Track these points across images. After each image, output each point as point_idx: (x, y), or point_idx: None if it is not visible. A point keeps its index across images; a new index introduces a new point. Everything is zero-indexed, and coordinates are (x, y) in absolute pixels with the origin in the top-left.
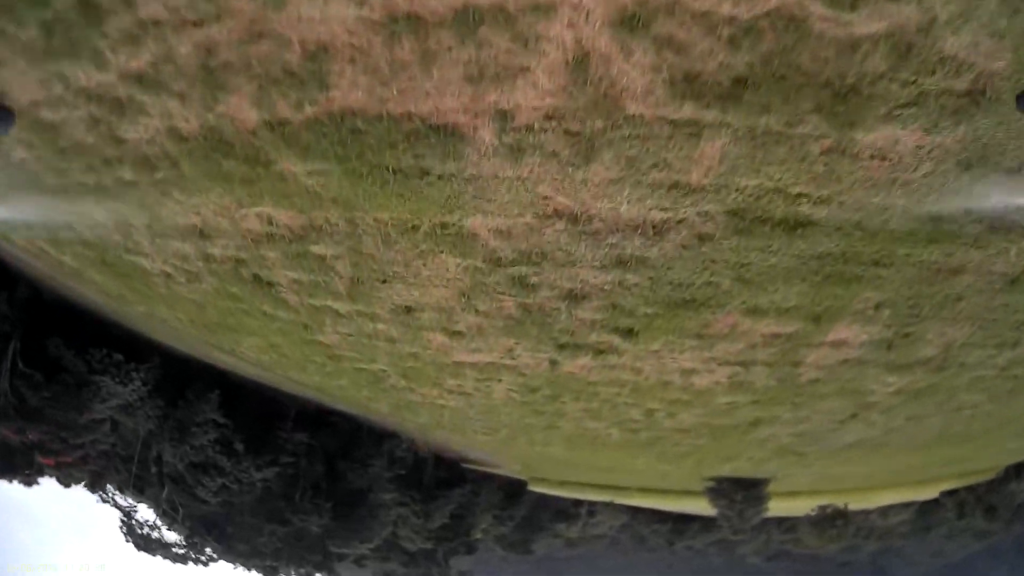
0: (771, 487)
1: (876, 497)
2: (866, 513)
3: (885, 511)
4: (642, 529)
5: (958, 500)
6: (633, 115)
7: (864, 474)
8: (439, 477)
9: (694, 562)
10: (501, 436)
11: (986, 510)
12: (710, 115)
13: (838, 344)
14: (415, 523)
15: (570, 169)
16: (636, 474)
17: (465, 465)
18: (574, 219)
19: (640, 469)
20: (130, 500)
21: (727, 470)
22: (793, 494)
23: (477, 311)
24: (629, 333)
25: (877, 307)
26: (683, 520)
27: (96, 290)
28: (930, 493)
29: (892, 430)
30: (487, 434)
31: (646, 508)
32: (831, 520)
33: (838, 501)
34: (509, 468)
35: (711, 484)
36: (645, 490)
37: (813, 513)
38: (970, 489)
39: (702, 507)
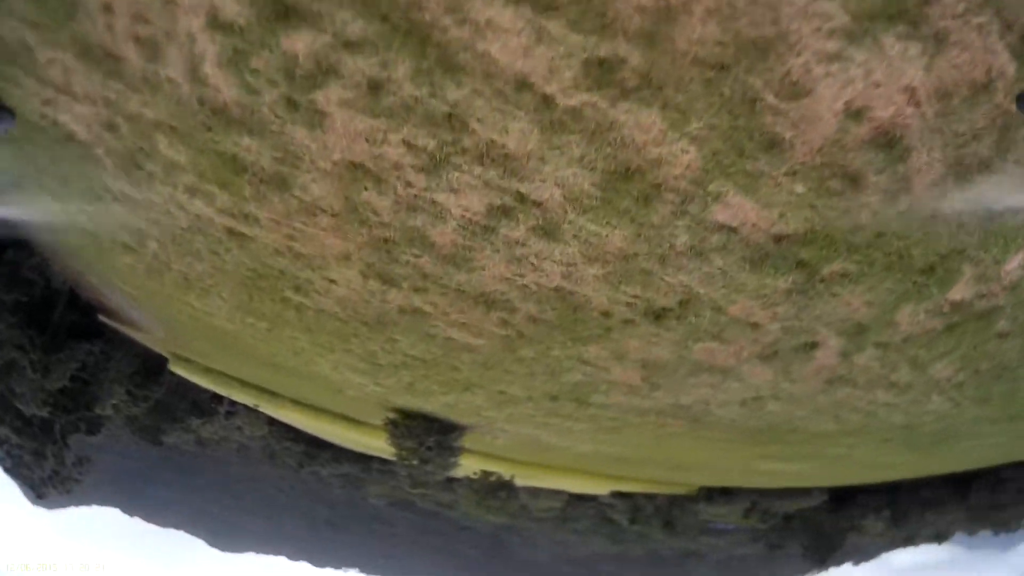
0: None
1: (549, 478)
2: (531, 491)
3: (536, 493)
4: (275, 444)
5: (634, 504)
6: None
7: (559, 453)
8: (71, 322)
9: (317, 489)
10: (145, 271)
11: (665, 523)
12: None
13: None
14: (31, 378)
15: None
16: (305, 381)
17: (103, 318)
18: None
19: (317, 375)
20: None
21: (421, 406)
22: (479, 454)
23: None
24: None
25: None
26: (316, 444)
27: None
28: (601, 489)
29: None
30: (131, 263)
31: (285, 423)
32: (493, 489)
33: (506, 472)
34: (152, 336)
35: (396, 417)
36: (299, 404)
37: (475, 476)
38: (650, 497)
39: (371, 442)
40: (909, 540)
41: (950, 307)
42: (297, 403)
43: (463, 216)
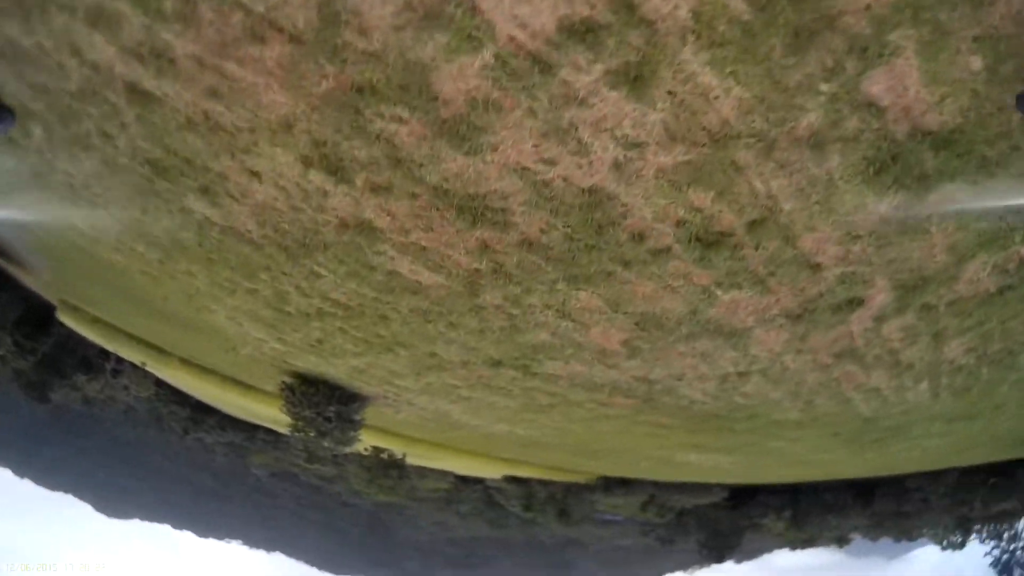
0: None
1: (444, 461)
2: (419, 471)
3: (425, 473)
4: (161, 408)
5: (528, 491)
6: None
7: (464, 433)
8: None
9: (202, 457)
10: (29, 175)
11: (560, 511)
12: None
13: None
14: None
15: None
16: (195, 336)
17: None
18: None
19: (210, 327)
20: None
21: (324, 371)
22: (374, 428)
23: None
24: None
25: None
26: (203, 409)
27: None
28: (494, 473)
29: (528, 397)
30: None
31: (173, 385)
32: (384, 467)
33: (399, 450)
34: (39, 278)
35: (294, 383)
36: (188, 364)
37: (366, 453)
38: (545, 484)
39: (261, 410)
40: (809, 542)
41: (1017, 263)
42: (186, 363)
43: (511, 38)
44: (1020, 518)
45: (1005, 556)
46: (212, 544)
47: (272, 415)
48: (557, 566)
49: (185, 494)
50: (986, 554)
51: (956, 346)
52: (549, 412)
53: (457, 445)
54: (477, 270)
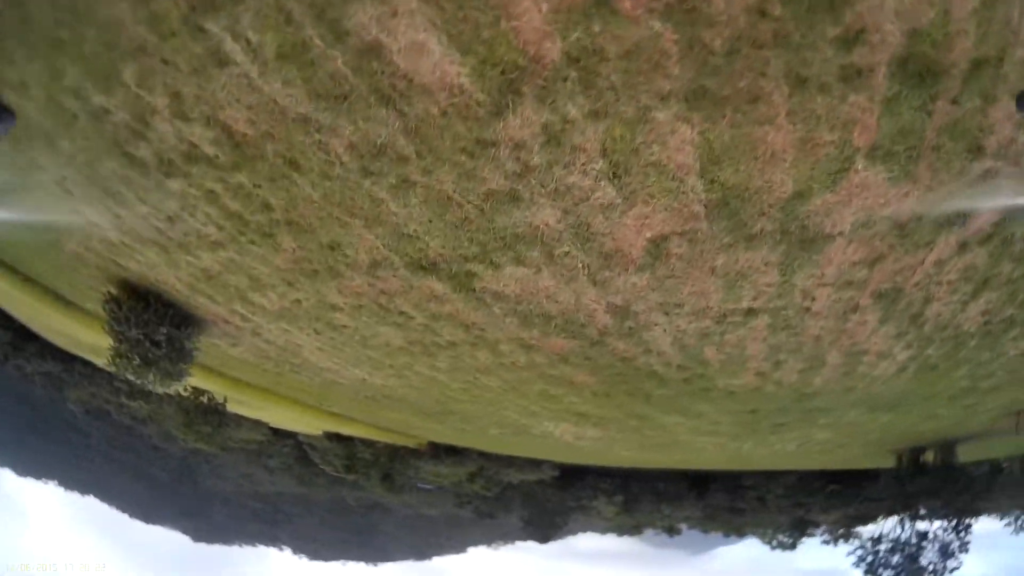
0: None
1: (264, 410)
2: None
3: (241, 422)
4: None
5: (351, 450)
6: None
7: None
8: None
9: (22, 388)
10: None
11: (384, 475)
12: None
13: None
14: None
15: None
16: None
17: None
18: None
19: None
20: None
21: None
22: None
23: None
24: None
25: None
26: (25, 336)
27: None
28: (314, 428)
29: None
30: None
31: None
32: (204, 412)
33: (219, 394)
34: None
35: (120, 295)
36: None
37: (185, 394)
38: (369, 444)
39: (82, 334)
40: (638, 529)
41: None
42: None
43: None
44: (862, 524)
45: (870, 557)
46: (30, 483)
47: (93, 342)
48: (362, 529)
49: (5, 428)
50: (849, 554)
51: (974, 309)
52: (436, 355)
53: (286, 393)
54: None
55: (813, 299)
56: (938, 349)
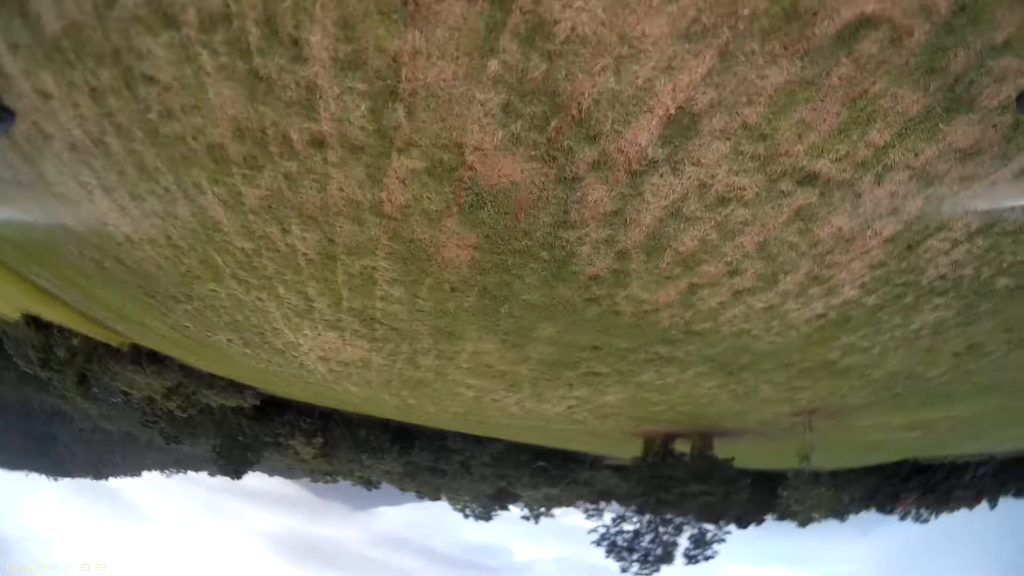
0: None
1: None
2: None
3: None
4: None
5: (47, 341)
6: None
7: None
8: None
9: None
10: None
11: (80, 375)
12: None
13: None
14: None
15: None
16: None
17: None
18: None
19: None
20: None
21: None
22: None
23: None
24: None
25: None
26: None
27: None
28: (13, 310)
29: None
30: None
31: None
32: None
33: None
34: None
35: None
36: None
37: None
38: (68, 336)
39: None
40: (333, 476)
41: None
42: None
43: None
44: (565, 506)
45: (612, 536)
46: None
47: None
48: (42, 437)
49: None
50: (591, 531)
51: None
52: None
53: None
54: None
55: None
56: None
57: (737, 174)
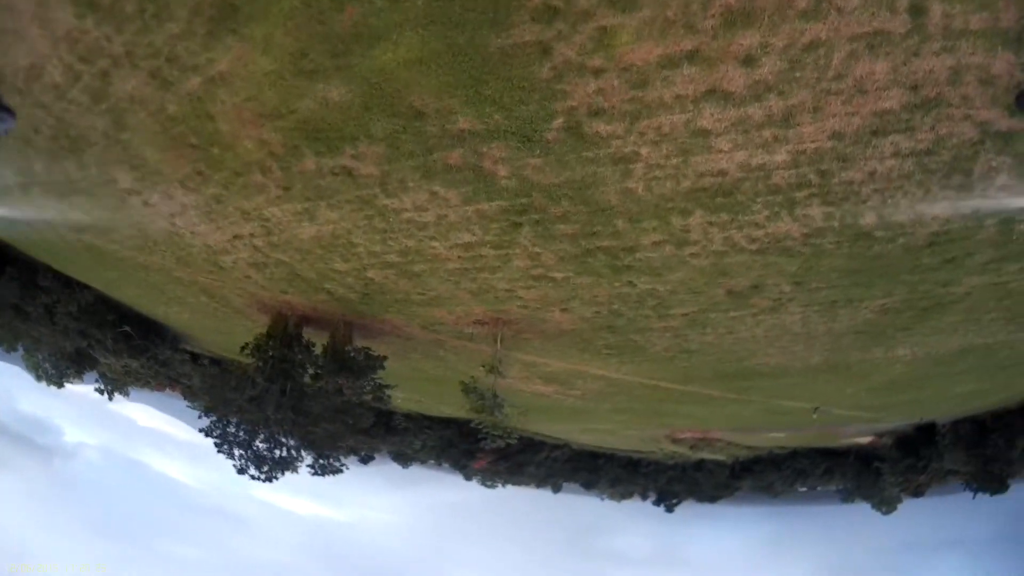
0: None
1: None
2: None
3: None
4: None
5: None
6: None
7: None
8: None
9: None
10: None
11: None
12: None
13: None
14: None
15: None
16: None
17: None
18: None
19: None
20: None
21: None
22: None
23: None
24: None
25: None
26: None
27: None
28: None
29: None
30: None
31: None
32: None
33: None
34: None
35: None
36: None
37: None
38: None
39: None
40: None
41: None
42: None
43: None
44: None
45: (218, 432)
46: None
47: None
48: None
49: None
50: (201, 430)
51: None
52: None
53: None
54: None
55: None
56: None
57: None
